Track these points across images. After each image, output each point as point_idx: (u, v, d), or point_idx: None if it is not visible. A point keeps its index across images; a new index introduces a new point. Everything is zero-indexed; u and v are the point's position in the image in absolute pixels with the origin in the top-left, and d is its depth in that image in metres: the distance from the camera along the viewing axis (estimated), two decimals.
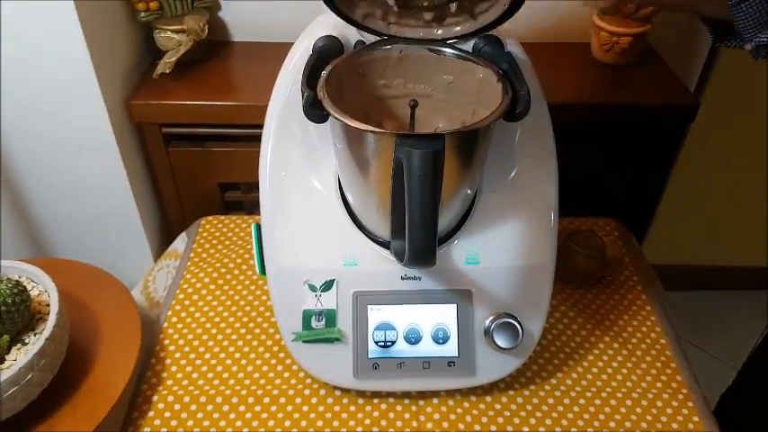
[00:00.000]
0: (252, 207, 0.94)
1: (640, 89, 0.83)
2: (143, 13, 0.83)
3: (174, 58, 0.84)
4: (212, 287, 0.72)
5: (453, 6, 0.52)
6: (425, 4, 0.52)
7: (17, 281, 0.51)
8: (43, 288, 0.56)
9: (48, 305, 0.54)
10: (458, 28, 0.53)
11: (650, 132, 0.82)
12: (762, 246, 1.47)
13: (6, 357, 0.51)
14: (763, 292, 1.45)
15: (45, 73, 0.72)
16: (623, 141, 0.83)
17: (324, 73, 0.50)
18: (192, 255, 0.78)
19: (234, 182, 0.91)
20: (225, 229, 0.82)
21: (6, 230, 0.57)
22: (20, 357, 0.49)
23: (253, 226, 0.61)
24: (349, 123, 0.45)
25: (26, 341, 0.52)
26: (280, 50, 0.58)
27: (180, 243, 0.84)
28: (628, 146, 0.83)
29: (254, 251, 0.61)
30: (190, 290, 0.72)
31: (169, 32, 0.85)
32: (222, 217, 0.85)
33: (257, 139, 0.59)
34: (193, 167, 0.87)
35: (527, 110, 0.48)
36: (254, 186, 0.91)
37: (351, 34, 0.55)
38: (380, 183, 0.50)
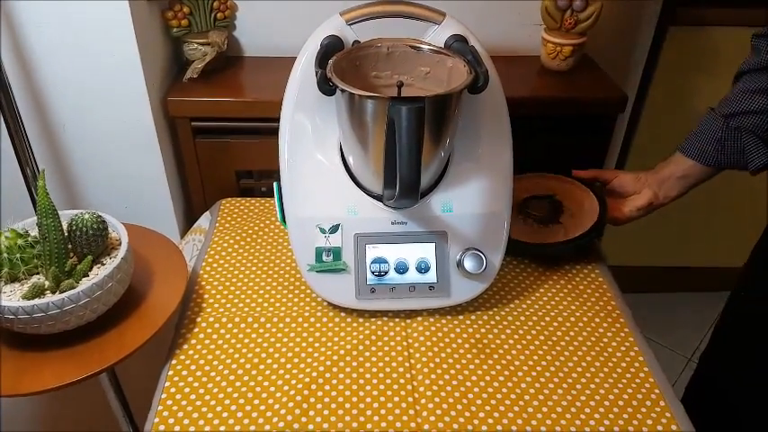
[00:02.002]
0: (263, 193, 1.10)
1: (580, 86, 1.03)
2: (175, 29, 1.01)
3: (200, 66, 1.01)
4: (236, 246, 0.87)
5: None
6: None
7: (99, 214, 0.67)
8: (113, 229, 0.72)
9: (118, 240, 0.70)
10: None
11: (589, 120, 1.01)
12: (704, 247, 1.61)
13: (89, 273, 0.66)
14: (706, 294, 1.53)
15: (103, 75, 0.89)
16: (568, 129, 1.02)
17: (330, 61, 0.67)
18: (217, 226, 0.94)
19: (248, 169, 1.07)
20: (243, 208, 0.98)
21: (60, 208, 0.71)
22: (101, 271, 0.65)
23: (274, 185, 0.77)
24: (353, 91, 0.62)
25: (104, 262, 0.68)
26: (285, 62, 0.75)
27: (204, 220, 0.99)
28: (572, 133, 1.02)
29: (276, 204, 0.77)
30: (218, 248, 0.87)
31: (196, 45, 1.02)
32: (240, 199, 1.01)
33: (269, 131, 0.74)
34: (215, 157, 1.03)
35: (486, 84, 0.65)
36: (265, 174, 1.08)
37: (349, 35, 0.72)
38: (376, 143, 0.67)
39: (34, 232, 0.67)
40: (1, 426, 1.13)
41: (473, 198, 0.74)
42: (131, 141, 0.96)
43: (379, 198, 0.74)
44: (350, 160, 0.74)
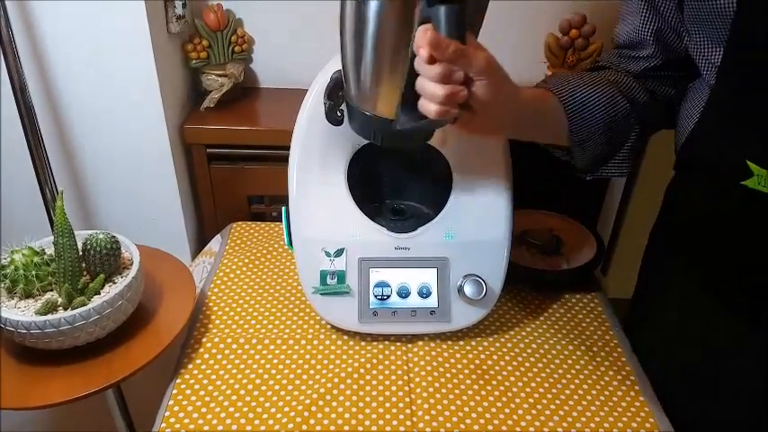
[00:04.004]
0: (273, 218, 1.13)
1: None
2: (194, 61, 1.06)
3: (217, 95, 1.06)
4: (244, 269, 0.90)
5: None
6: None
7: (113, 235, 0.70)
8: (125, 249, 0.74)
9: (130, 260, 0.73)
10: None
11: None
12: None
13: (101, 291, 0.68)
14: None
15: (123, 101, 0.93)
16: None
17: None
18: (227, 249, 0.96)
19: (260, 195, 1.10)
20: (253, 232, 1.01)
21: (77, 228, 0.74)
22: (112, 289, 0.67)
23: (283, 209, 0.80)
24: None
25: (116, 281, 0.70)
26: (298, 94, 0.77)
27: (215, 243, 1.02)
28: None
29: (284, 228, 0.79)
30: (227, 270, 0.89)
31: (213, 75, 1.07)
32: (251, 222, 1.04)
33: (281, 159, 0.77)
34: (228, 182, 1.07)
35: None
36: (276, 199, 1.11)
37: None
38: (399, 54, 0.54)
39: (50, 250, 0.70)
40: None
41: (474, 225, 0.76)
42: (148, 166, 1.00)
43: (381, 224, 0.76)
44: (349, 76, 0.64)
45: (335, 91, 0.71)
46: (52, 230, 0.68)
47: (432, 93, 0.50)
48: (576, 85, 0.68)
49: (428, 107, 0.51)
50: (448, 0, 0.48)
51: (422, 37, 0.48)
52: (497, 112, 0.56)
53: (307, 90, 0.77)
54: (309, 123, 0.76)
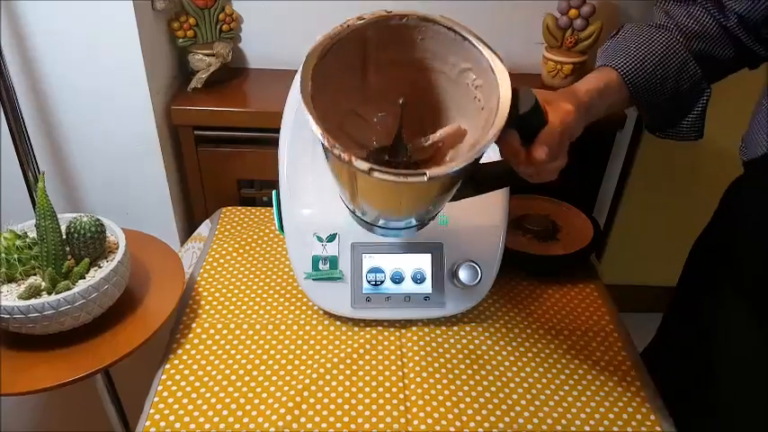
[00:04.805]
0: (264, 203, 1.11)
1: None
2: (181, 39, 1.03)
3: (204, 76, 1.03)
4: (235, 254, 0.88)
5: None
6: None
7: (97, 218, 0.68)
8: (111, 233, 0.72)
9: (116, 244, 0.71)
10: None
11: (587, 137, 1.02)
12: None
13: (86, 276, 0.66)
14: None
15: (107, 81, 0.91)
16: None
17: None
18: (216, 234, 0.94)
19: (250, 179, 1.08)
20: (243, 217, 0.99)
21: (62, 212, 0.72)
22: (98, 273, 0.65)
23: (273, 193, 0.78)
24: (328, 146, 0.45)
25: (101, 265, 0.68)
26: (289, 75, 0.73)
27: (204, 228, 1.00)
28: (570, 150, 1.03)
29: (275, 213, 0.78)
30: (217, 255, 0.88)
31: (201, 55, 1.04)
32: (240, 207, 1.02)
33: (271, 142, 0.75)
34: (217, 166, 1.05)
35: None
36: (266, 184, 1.09)
37: None
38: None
39: (33, 234, 0.67)
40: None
41: (469, 210, 0.74)
42: (134, 148, 0.97)
43: None
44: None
45: None
46: (35, 214, 0.65)
47: (539, 178, 0.56)
48: (642, 58, 0.62)
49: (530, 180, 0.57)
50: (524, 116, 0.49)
51: (518, 160, 0.52)
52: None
53: (295, 72, 0.75)
54: (300, 102, 0.74)
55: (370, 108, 0.55)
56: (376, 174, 0.43)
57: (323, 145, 0.47)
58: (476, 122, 0.53)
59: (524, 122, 0.51)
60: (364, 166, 0.43)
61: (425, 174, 0.43)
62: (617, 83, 0.62)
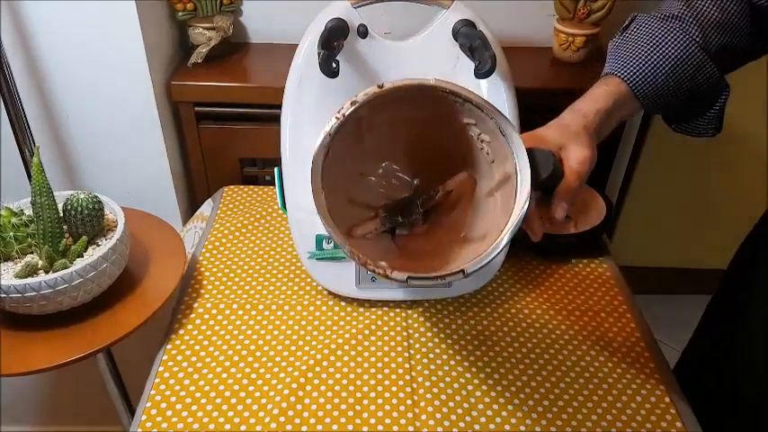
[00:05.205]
0: (267, 182, 1.09)
1: (591, 78, 0.99)
2: (180, 13, 1.00)
3: (205, 50, 1.00)
4: (237, 234, 0.86)
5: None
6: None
7: (95, 195, 0.66)
8: (109, 211, 0.70)
9: (115, 222, 0.69)
10: None
11: None
12: (718, 249, 1.59)
13: (84, 254, 0.65)
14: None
15: (105, 56, 0.88)
16: None
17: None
18: (218, 213, 0.92)
19: (252, 158, 1.06)
20: (246, 196, 0.97)
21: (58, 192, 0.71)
22: (96, 252, 0.63)
23: (275, 170, 0.76)
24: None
25: (99, 243, 0.66)
26: (292, 49, 0.72)
27: (206, 208, 0.98)
28: None
29: (277, 190, 0.75)
30: (219, 235, 0.86)
31: (201, 29, 1.01)
32: (243, 186, 0.99)
33: (274, 119, 0.73)
34: (219, 144, 1.02)
35: (493, 69, 0.63)
36: (269, 162, 1.07)
37: (354, 18, 0.70)
38: None
39: (29, 212, 0.66)
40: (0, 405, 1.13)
41: None
42: (133, 125, 0.95)
43: None
44: None
45: (331, 40, 0.66)
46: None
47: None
48: (654, 65, 0.58)
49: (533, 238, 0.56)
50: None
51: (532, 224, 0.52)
52: None
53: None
54: (303, 76, 0.72)
55: (371, 164, 0.55)
56: (414, 282, 0.46)
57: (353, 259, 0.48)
58: (486, 172, 0.53)
59: (542, 185, 0.51)
60: (402, 276, 0.46)
61: (463, 272, 0.46)
62: (627, 96, 0.59)
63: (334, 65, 0.62)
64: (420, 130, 0.54)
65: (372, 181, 0.57)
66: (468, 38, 0.68)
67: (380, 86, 0.47)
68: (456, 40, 0.71)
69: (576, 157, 0.54)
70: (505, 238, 0.48)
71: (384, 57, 0.73)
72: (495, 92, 0.71)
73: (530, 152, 0.49)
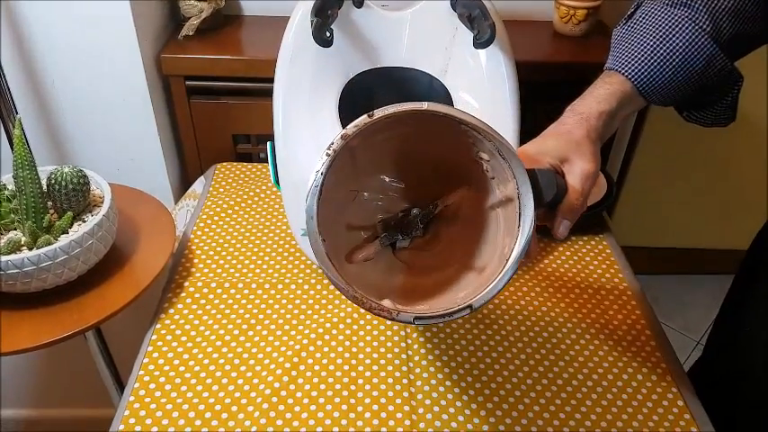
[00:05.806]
0: (261, 159, 1.06)
1: (592, 52, 0.97)
2: None
3: (196, 22, 0.97)
4: (229, 211, 0.84)
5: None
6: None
7: (80, 169, 0.63)
8: (96, 186, 0.68)
9: (102, 198, 0.66)
10: None
11: None
12: (717, 230, 1.56)
13: (69, 231, 0.63)
14: (719, 277, 1.51)
15: (93, 28, 0.85)
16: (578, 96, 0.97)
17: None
18: (210, 190, 0.90)
19: (246, 134, 1.03)
20: (239, 173, 0.95)
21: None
22: (81, 228, 0.61)
23: (268, 144, 0.73)
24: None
25: (85, 219, 0.64)
26: (285, 22, 0.69)
27: (198, 185, 0.96)
28: None
29: (270, 166, 0.73)
30: (211, 212, 0.84)
31: (192, 0, 0.98)
32: (236, 164, 0.97)
33: (268, 93, 0.70)
34: (211, 120, 0.99)
35: (493, 38, 0.61)
36: (263, 139, 1.04)
37: None
38: None
39: (12, 187, 0.63)
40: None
41: None
42: (123, 99, 0.92)
43: None
44: None
45: (325, 8, 0.63)
46: None
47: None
48: (660, 60, 0.54)
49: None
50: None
51: (533, 247, 0.47)
52: None
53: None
54: (295, 47, 0.69)
55: (365, 179, 0.53)
56: (420, 322, 0.45)
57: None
58: (485, 186, 0.51)
59: (546, 205, 0.48)
60: (408, 318, 0.45)
61: (471, 307, 0.45)
62: (631, 95, 0.55)
63: (327, 34, 0.60)
64: (415, 146, 0.51)
65: (367, 196, 0.54)
66: (468, 7, 0.65)
67: (371, 116, 0.44)
68: (455, 9, 0.68)
69: (581, 172, 0.50)
70: (509, 271, 0.45)
71: (380, 27, 0.70)
72: (495, 64, 0.69)
73: (531, 175, 0.46)
